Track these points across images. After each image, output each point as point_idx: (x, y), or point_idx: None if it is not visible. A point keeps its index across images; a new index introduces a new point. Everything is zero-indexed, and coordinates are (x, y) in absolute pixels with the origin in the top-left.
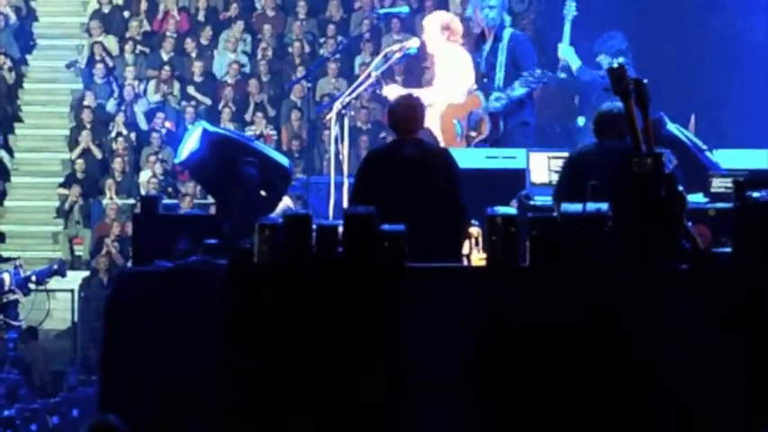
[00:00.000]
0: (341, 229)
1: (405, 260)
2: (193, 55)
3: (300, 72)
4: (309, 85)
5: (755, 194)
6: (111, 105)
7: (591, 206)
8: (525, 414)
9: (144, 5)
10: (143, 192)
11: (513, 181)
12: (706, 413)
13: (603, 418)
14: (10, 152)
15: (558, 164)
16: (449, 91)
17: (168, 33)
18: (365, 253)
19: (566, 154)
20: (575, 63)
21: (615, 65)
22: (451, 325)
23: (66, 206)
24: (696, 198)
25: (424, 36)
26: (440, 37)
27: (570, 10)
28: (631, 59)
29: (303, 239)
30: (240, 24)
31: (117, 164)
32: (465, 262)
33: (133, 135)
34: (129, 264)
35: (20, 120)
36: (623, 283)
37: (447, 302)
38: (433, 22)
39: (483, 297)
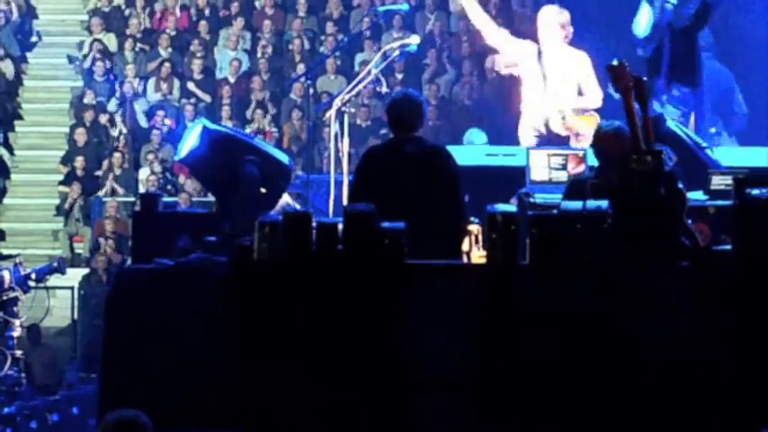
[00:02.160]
0: (341, 226)
1: (404, 258)
2: (194, 53)
3: (300, 70)
4: (309, 82)
5: (755, 192)
6: (112, 105)
7: (591, 204)
8: (525, 412)
9: (144, 3)
10: (142, 189)
11: (514, 178)
12: (705, 411)
13: (604, 416)
14: (10, 150)
15: (558, 161)
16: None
17: (168, 31)
18: (365, 250)
19: (565, 152)
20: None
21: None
22: (451, 322)
23: (67, 206)
24: (696, 195)
25: (541, 34)
26: (560, 36)
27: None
28: None
29: (303, 237)
30: (240, 22)
31: (116, 161)
32: (465, 259)
33: (132, 132)
34: (129, 261)
35: (20, 117)
36: (623, 280)
37: (447, 300)
38: (553, 18)
39: (483, 295)
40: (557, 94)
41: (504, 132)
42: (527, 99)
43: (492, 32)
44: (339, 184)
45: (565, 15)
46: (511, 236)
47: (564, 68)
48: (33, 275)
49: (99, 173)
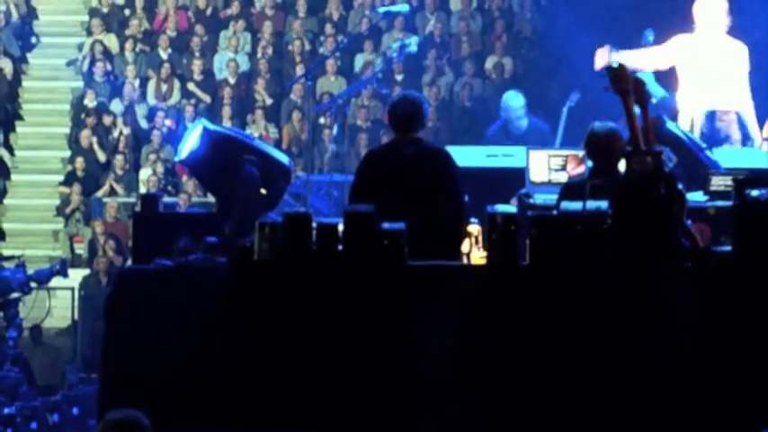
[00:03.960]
0: (341, 227)
1: (404, 258)
2: (193, 53)
3: (300, 70)
4: (309, 83)
5: (755, 193)
6: (114, 105)
7: (591, 205)
8: (526, 413)
9: (144, 4)
10: (143, 190)
11: (513, 179)
12: (706, 411)
13: (604, 415)
14: (10, 150)
15: (558, 162)
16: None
17: (168, 32)
18: (365, 251)
19: (566, 152)
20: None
21: (615, 65)
22: (451, 323)
23: (68, 211)
24: (696, 196)
25: (700, 22)
26: (722, 24)
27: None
28: None
29: (303, 238)
30: (240, 23)
31: (117, 162)
32: (465, 260)
33: (133, 133)
34: (129, 262)
35: (20, 118)
36: (623, 281)
37: (447, 300)
38: (716, 4)
39: (483, 295)
40: (714, 87)
41: None
42: (683, 96)
43: (641, 62)
44: (339, 184)
45: (725, 3)
46: (511, 236)
47: (723, 60)
48: (36, 278)
49: (101, 174)
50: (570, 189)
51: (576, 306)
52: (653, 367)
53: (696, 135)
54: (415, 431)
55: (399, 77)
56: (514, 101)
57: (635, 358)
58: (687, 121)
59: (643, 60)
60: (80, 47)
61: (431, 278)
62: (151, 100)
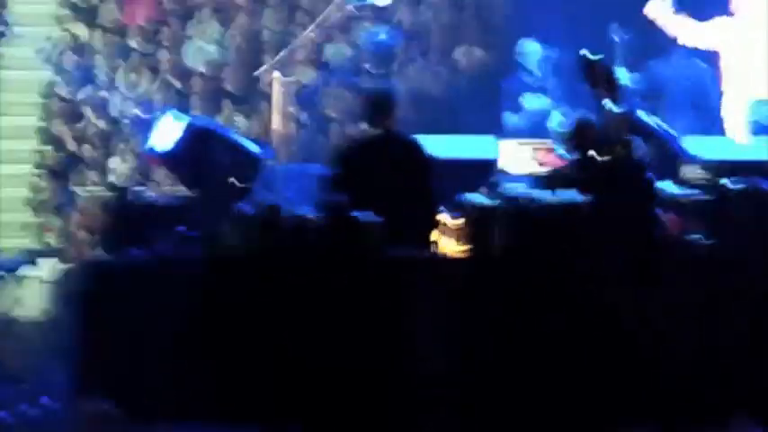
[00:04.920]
0: (313, 217)
1: (378, 248)
2: (163, 43)
3: (270, 60)
4: (279, 73)
5: (729, 184)
6: (82, 94)
7: (563, 194)
8: (506, 404)
9: None
10: (113, 180)
11: (483, 169)
12: (683, 399)
13: (588, 406)
14: None
15: (528, 152)
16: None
17: (138, 22)
18: (339, 242)
19: (535, 142)
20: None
21: (592, 58)
22: (426, 313)
23: (39, 202)
24: (666, 185)
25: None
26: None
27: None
28: None
29: (275, 228)
30: (210, 12)
31: (87, 152)
32: (434, 249)
33: (103, 123)
34: (100, 252)
35: None
36: (597, 270)
37: (421, 291)
38: None
39: (456, 285)
40: (757, 74)
41: (477, 123)
42: (727, 84)
43: (681, 32)
44: (310, 175)
45: None
46: (482, 226)
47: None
48: (3, 266)
49: (71, 164)
50: (542, 179)
51: (550, 295)
52: (628, 357)
53: (743, 124)
54: (397, 423)
55: (369, 67)
56: (530, 45)
57: (611, 348)
58: (732, 108)
59: (684, 29)
60: (51, 37)
61: (406, 268)
62: (121, 90)
